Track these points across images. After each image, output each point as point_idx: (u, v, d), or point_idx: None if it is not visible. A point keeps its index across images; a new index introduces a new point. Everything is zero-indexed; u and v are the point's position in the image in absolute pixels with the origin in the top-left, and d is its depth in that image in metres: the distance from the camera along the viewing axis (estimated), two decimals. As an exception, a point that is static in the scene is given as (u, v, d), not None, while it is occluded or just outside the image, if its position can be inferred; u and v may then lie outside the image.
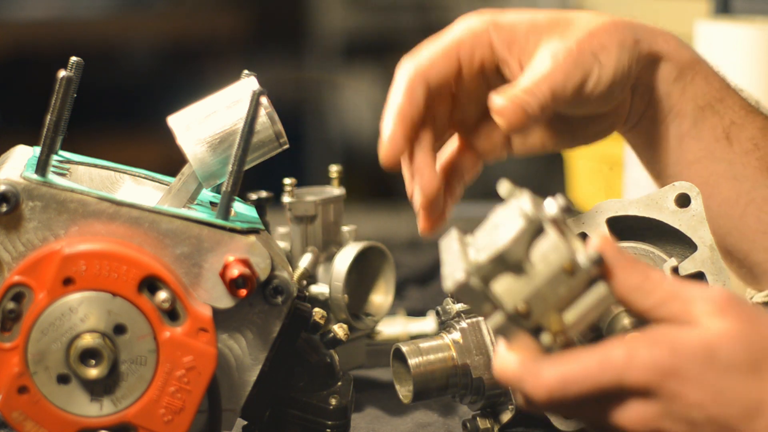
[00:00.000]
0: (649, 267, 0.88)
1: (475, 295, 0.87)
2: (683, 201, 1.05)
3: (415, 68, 1.06)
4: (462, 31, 1.07)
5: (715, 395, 0.85)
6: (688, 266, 1.02)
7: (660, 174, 1.16)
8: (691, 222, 1.04)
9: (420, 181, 1.02)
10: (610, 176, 1.93)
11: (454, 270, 0.88)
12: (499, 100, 1.03)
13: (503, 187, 0.90)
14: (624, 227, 1.06)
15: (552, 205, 0.88)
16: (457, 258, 0.88)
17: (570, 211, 0.88)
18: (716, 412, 0.85)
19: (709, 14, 2.03)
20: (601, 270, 0.87)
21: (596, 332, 0.98)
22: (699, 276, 1.03)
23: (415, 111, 1.06)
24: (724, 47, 1.73)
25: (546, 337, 0.87)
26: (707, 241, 1.03)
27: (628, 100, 1.13)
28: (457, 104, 1.12)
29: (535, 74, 1.05)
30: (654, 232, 1.06)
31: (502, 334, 0.88)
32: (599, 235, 0.89)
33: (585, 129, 1.14)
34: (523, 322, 0.87)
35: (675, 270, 1.02)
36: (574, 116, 1.12)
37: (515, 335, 0.87)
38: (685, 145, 1.13)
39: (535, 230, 0.87)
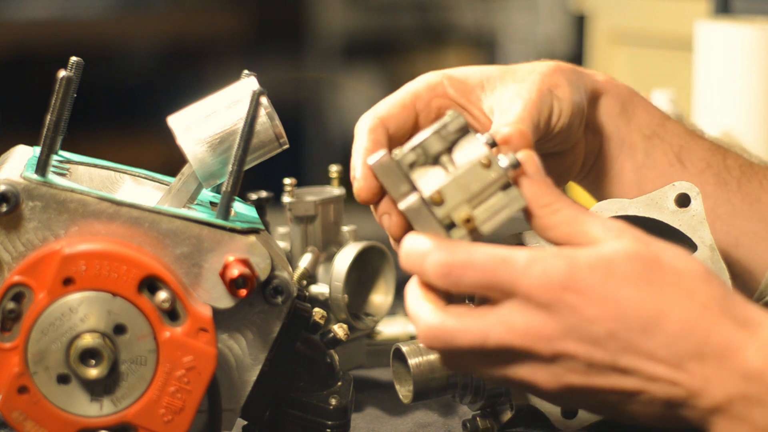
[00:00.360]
0: (560, 192, 0.92)
1: (395, 174, 0.93)
2: (683, 201, 1.05)
3: (374, 116, 1.09)
4: (418, 83, 1.11)
5: (613, 308, 0.87)
6: (688, 266, 1.02)
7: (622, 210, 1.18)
8: (691, 222, 1.04)
9: (387, 223, 1.03)
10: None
11: (378, 152, 0.94)
12: (504, 129, 1.04)
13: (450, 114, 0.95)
14: (624, 227, 1.05)
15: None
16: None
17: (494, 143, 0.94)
18: (616, 327, 0.87)
19: (709, 14, 2.03)
20: (516, 174, 0.92)
21: None
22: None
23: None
24: (724, 47, 1.73)
25: (457, 232, 0.92)
26: (707, 241, 1.03)
27: (583, 140, 1.15)
28: None
29: (514, 112, 1.07)
30: (654, 232, 1.05)
31: (413, 219, 0.92)
32: (525, 148, 0.94)
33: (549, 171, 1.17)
34: (436, 210, 0.92)
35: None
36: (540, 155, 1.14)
37: (427, 223, 0.92)
38: (642, 175, 1.15)
39: (458, 128, 0.93)
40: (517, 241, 1.03)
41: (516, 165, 0.92)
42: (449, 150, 0.93)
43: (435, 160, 0.93)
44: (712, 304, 0.87)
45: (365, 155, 1.05)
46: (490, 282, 0.89)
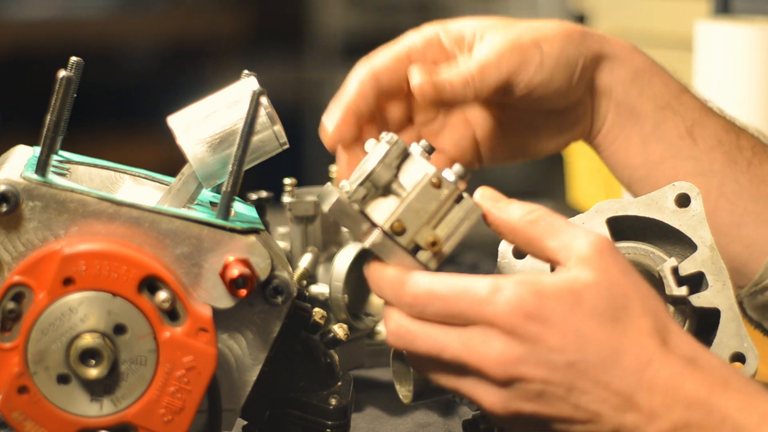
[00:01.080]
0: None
1: (352, 216, 0.94)
2: (683, 201, 1.05)
3: (367, 70, 1.12)
4: (413, 37, 1.14)
5: (575, 339, 0.88)
6: (688, 266, 1.02)
7: (630, 179, 1.19)
8: (691, 222, 1.04)
9: None
10: (610, 176, 1.93)
11: (330, 195, 0.95)
12: (416, 78, 1.10)
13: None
14: (624, 227, 1.06)
15: (416, 147, 0.96)
16: (333, 189, 0.95)
17: (432, 150, 0.95)
18: (575, 358, 0.88)
19: (709, 14, 2.03)
20: (465, 184, 0.94)
21: None
22: (699, 276, 1.03)
23: (363, 107, 1.13)
24: (724, 47, 1.73)
25: (423, 255, 0.94)
26: (707, 241, 1.03)
27: (589, 102, 1.16)
28: (416, 108, 1.18)
29: (471, 59, 1.10)
30: (654, 232, 1.05)
31: (380, 252, 0.94)
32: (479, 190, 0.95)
33: (549, 131, 1.18)
34: (399, 240, 0.93)
35: (675, 270, 1.02)
36: (533, 112, 1.15)
37: (393, 252, 0.93)
38: (649, 147, 1.15)
39: (400, 153, 0.94)
40: None
41: (463, 175, 0.94)
42: (396, 176, 0.95)
43: (385, 190, 0.95)
44: (667, 344, 0.90)
45: (348, 104, 1.07)
46: (453, 311, 0.90)
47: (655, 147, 1.15)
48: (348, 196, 0.94)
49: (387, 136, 0.95)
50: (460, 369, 0.91)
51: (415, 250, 0.94)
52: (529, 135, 1.19)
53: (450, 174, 0.94)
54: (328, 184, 1.01)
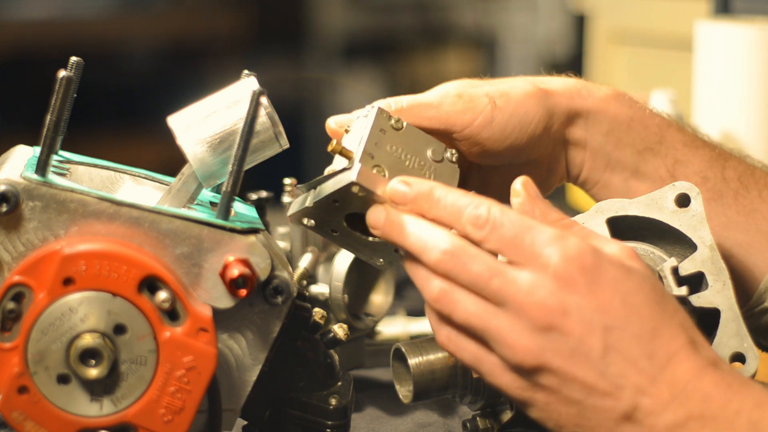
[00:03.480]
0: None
1: (376, 177, 0.99)
2: (683, 201, 1.05)
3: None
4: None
5: (621, 306, 0.90)
6: (688, 266, 1.02)
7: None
8: (691, 222, 1.04)
9: None
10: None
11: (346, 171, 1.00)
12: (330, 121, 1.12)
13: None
14: (624, 227, 1.06)
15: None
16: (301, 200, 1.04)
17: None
18: (616, 324, 0.90)
19: (709, 14, 2.03)
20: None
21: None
22: (699, 276, 1.03)
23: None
24: (724, 47, 1.73)
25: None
26: (707, 241, 1.03)
27: (563, 155, 1.17)
28: None
29: (414, 96, 1.11)
30: (654, 232, 1.06)
31: (367, 184, 1.00)
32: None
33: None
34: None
35: (675, 270, 1.02)
36: (502, 165, 1.16)
37: (377, 181, 1.00)
38: (631, 187, 1.17)
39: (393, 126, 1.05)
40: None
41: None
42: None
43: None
44: (693, 343, 0.92)
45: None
46: (515, 242, 0.91)
47: (638, 186, 1.16)
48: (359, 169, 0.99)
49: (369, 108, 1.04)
50: (502, 301, 0.91)
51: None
52: (506, 187, 1.19)
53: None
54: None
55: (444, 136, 1.10)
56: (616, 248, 0.93)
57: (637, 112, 1.17)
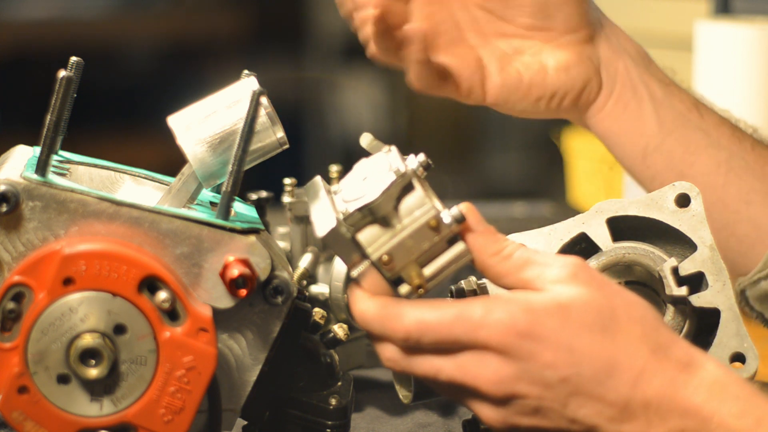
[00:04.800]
0: (505, 237, 0.94)
1: (344, 244, 0.93)
2: (683, 201, 1.05)
3: None
4: None
5: (568, 354, 0.89)
6: (688, 266, 1.02)
7: (644, 150, 1.19)
8: (691, 222, 1.04)
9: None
10: (610, 176, 1.94)
11: (325, 218, 0.93)
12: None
13: (365, 139, 0.96)
14: (624, 227, 1.05)
15: (414, 162, 0.93)
16: (327, 206, 0.94)
17: (429, 167, 0.94)
18: (569, 373, 0.89)
19: (709, 14, 2.03)
20: (461, 228, 0.93)
21: None
22: (699, 276, 1.03)
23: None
24: (724, 47, 1.73)
25: (404, 288, 0.93)
26: (707, 241, 1.03)
27: (593, 72, 1.18)
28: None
29: None
30: (654, 232, 1.05)
31: (364, 282, 0.93)
32: (464, 203, 0.94)
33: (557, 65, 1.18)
34: (385, 271, 0.93)
35: (675, 270, 1.02)
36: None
37: (377, 283, 0.93)
38: (662, 112, 1.17)
39: (404, 185, 0.93)
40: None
41: (460, 220, 0.93)
42: (395, 206, 0.93)
43: (380, 218, 0.93)
44: (659, 350, 0.90)
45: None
46: (448, 339, 0.91)
47: (667, 114, 1.16)
48: (344, 218, 0.93)
49: (392, 158, 0.94)
50: (458, 389, 0.92)
51: (397, 281, 0.93)
52: (536, 71, 1.18)
53: (447, 216, 0.93)
54: (317, 178, 1.00)
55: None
56: (554, 275, 0.91)
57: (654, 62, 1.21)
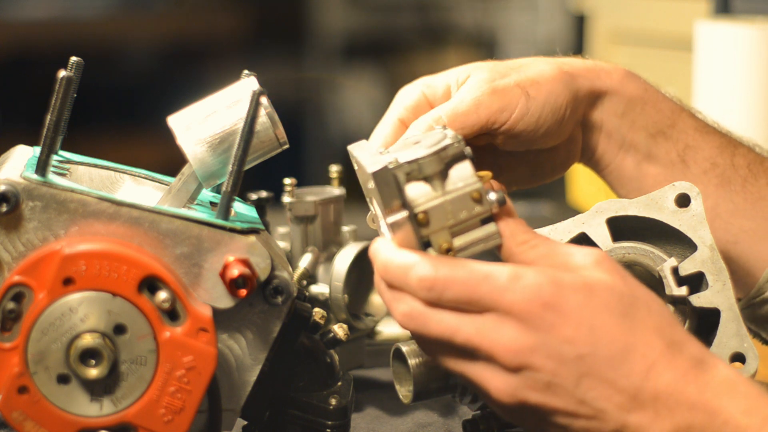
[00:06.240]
0: (534, 231, 0.96)
1: (390, 186, 0.93)
2: (683, 201, 1.05)
3: (376, 143, 1.12)
4: (401, 103, 1.13)
5: (588, 332, 0.90)
6: (688, 266, 1.02)
7: (626, 197, 1.19)
8: (691, 222, 1.04)
9: None
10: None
11: (376, 159, 0.94)
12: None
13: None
14: (624, 227, 1.06)
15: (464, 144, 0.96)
16: (378, 154, 0.96)
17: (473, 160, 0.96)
18: (586, 351, 0.90)
19: (709, 14, 2.03)
20: (500, 211, 0.95)
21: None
22: (699, 276, 1.03)
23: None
24: (724, 47, 1.73)
25: (432, 252, 0.94)
26: (707, 241, 1.03)
27: (580, 137, 1.18)
28: None
29: (450, 105, 1.10)
30: (654, 232, 1.06)
31: (395, 231, 0.94)
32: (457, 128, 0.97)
33: (541, 165, 1.19)
34: (419, 230, 0.93)
35: (675, 270, 1.02)
36: (525, 152, 1.16)
37: (407, 237, 0.94)
38: (642, 170, 1.18)
39: (456, 154, 0.95)
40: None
41: (502, 202, 0.94)
42: (442, 171, 0.95)
43: (424, 176, 0.95)
44: (673, 345, 0.91)
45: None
46: (472, 297, 0.91)
47: (649, 171, 1.17)
48: (393, 167, 0.94)
49: (449, 132, 0.96)
50: (471, 353, 0.92)
51: (426, 244, 0.94)
52: (523, 170, 1.19)
53: (492, 195, 0.94)
54: (365, 142, 1.02)
55: (482, 132, 1.11)
56: (580, 261, 0.92)
57: (650, 95, 1.18)
